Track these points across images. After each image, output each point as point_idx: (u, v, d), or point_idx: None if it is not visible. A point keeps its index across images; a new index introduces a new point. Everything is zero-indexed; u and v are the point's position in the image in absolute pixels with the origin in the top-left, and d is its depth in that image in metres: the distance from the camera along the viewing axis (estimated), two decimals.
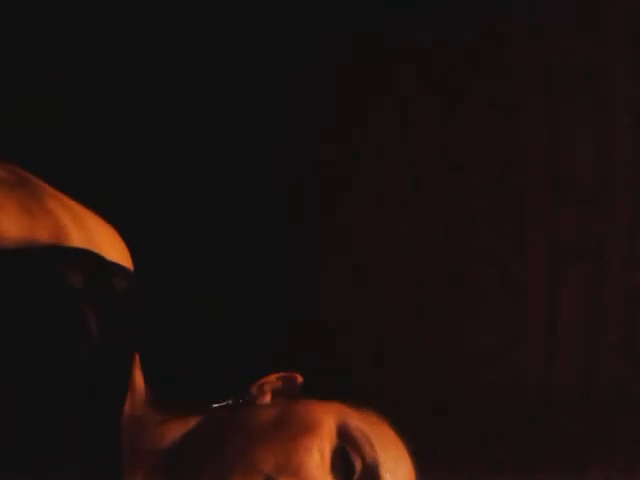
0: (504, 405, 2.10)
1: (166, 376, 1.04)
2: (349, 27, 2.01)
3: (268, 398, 1.02)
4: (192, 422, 0.98)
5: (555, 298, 2.09)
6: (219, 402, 1.02)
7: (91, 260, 0.92)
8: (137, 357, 0.98)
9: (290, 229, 2.05)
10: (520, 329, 2.10)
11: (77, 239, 0.92)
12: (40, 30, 1.97)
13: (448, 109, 2.08)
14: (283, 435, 0.92)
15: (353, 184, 2.09)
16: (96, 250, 0.93)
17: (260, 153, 2.04)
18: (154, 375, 1.02)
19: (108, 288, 0.92)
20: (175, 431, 0.97)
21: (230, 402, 1.01)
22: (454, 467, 2.05)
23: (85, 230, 0.94)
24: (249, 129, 2.04)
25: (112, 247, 0.96)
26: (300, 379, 1.04)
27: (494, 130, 2.08)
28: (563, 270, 2.09)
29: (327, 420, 0.95)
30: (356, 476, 0.93)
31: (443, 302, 2.11)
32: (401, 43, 2.02)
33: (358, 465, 0.94)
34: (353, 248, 2.11)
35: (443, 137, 2.08)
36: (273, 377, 1.05)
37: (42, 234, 0.90)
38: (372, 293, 2.12)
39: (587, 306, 2.09)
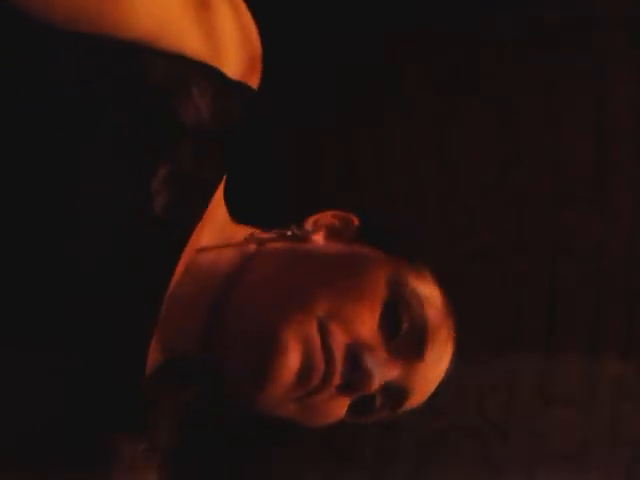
0: (504, 405, 2.10)
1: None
2: (349, 27, 2.01)
3: (321, 237, 0.97)
4: (244, 251, 0.92)
5: (555, 298, 2.09)
6: (269, 231, 0.97)
7: (213, 77, 0.83)
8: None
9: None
10: (520, 329, 2.10)
11: (207, 49, 0.83)
12: None
13: (448, 109, 2.08)
14: (339, 281, 0.88)
15: (353, 184, 2.09)
16: (222, 62, 0.84)
17: (260, 153, 2.04)
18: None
19: (222, 112, 0.86)
20: (227, 258, 0.91)
21: (281, 233, 0.96)
22: (454, 466, 2.05)
23: (217, 36, 0.83)
24: (249, 129, 2.04)
25: (238, 57, 0.86)
26: (356, 221, 0.98)
27: (494, 130, 2.08)
28: (563, 270, 2.09)
29: (383, 274, 0.91)
30: (401, 333, 0.91)
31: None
32: (401, 43, 2.02)
33: (405, 323, 0.91)
34: None
35: (443, 137, 2.08)
36: (329, 214, 1.00)
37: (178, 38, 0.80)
38: None
39: (587, 306, 2.09)
